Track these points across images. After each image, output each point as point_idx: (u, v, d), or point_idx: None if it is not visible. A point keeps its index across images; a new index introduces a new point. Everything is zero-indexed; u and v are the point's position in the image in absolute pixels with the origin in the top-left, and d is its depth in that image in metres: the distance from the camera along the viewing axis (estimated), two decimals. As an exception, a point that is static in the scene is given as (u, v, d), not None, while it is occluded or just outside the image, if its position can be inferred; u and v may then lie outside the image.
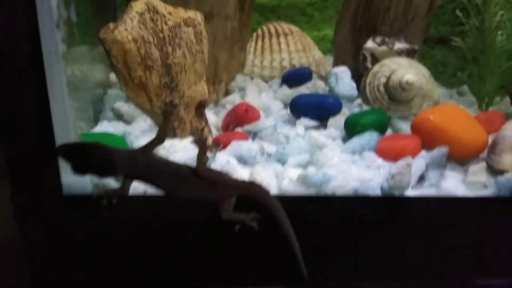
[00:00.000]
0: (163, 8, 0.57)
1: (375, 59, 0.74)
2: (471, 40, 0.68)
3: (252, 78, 0.84)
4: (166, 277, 0.47)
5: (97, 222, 0.44)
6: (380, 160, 0.55)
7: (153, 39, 0.55)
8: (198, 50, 0.60)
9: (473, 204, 0.52)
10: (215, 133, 0.68)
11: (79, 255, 0.44)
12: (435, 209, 0.51)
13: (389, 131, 0.64)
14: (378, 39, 0.73)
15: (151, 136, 0.60)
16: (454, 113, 0.58)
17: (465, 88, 0.87)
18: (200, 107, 0.63)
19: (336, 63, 0.84)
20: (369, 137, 0.57)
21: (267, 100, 0.76)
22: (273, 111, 0.73)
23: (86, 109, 0.69)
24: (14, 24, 0.36)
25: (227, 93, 0.81)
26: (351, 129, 0.60)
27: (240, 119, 0.66)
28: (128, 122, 0.70)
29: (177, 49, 0.57)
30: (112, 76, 0.80)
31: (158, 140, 0.42)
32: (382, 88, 0.66)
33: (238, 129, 0.65)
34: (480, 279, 0.51)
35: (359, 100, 0.71)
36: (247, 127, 0.65)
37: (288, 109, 0.71)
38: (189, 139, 0.58)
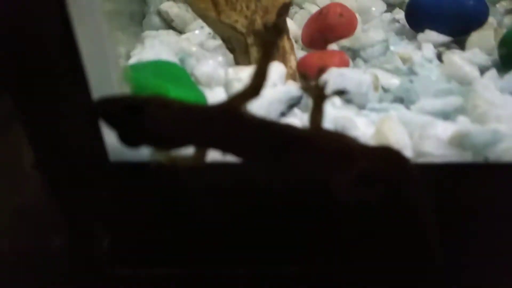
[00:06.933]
0: None
1: None
2: None
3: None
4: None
5: (156, 195, 0.31)
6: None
7: None
8: None
9: None
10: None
11: (134, 230, 0.33)
12: None
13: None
14: None
15: (214, 54, 0.44)
16: None
17: None
18: (283, 12, 0.44)
19: None
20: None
21: (365, -3, 0.55)
22: (374, 14, 0.53)
23: (123, 12, 0.52)
24: None
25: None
26: (509, 53, 0.41)
27: (331, 28, 0.48)
28: (180, 29, 0.53)
29: None
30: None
31: (252, 92, 0.26)
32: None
33: (333, 46, 0.46)
34: None
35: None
36: (344, 42, 0.47)
37: (395, 14, 0.51)
38: (277, 65, 0.40)
